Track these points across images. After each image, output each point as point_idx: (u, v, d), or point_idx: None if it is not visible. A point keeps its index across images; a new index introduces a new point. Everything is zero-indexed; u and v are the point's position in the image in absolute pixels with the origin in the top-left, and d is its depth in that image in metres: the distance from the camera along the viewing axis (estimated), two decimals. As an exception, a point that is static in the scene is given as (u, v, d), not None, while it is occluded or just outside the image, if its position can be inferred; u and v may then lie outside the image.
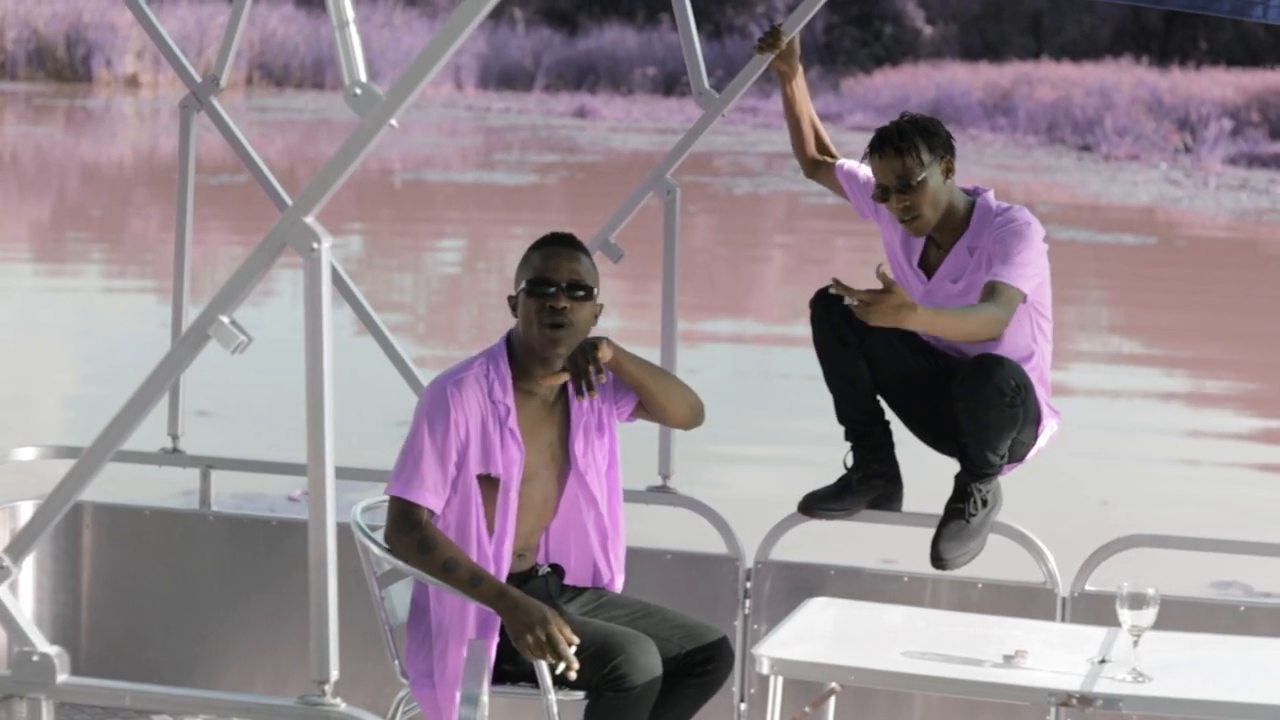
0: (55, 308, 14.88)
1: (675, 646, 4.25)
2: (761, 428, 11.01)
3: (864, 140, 5.10)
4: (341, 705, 3.12)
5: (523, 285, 4.25)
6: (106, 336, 13.74)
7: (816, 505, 5.09)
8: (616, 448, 4.42)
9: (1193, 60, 38.88)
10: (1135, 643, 3.89)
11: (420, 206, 23.13)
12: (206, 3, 39.72)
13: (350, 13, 3.04)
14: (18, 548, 3.25)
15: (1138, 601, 3.87)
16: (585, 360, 4.26)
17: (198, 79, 5.58)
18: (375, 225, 21.02)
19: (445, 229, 21.57)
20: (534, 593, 4.23)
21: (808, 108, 5.34)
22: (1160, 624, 3.95)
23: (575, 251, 4.28)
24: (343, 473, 3.98)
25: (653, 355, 4.79)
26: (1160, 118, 32.31)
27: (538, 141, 31.15)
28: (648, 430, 4.75)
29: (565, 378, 4.27)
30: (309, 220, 3.09)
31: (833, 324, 4.90)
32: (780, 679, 4.08)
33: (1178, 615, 4.55)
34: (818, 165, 5.33)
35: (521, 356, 4.28)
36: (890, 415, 5.07)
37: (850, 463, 5.09)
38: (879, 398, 5.02)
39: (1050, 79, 36.07)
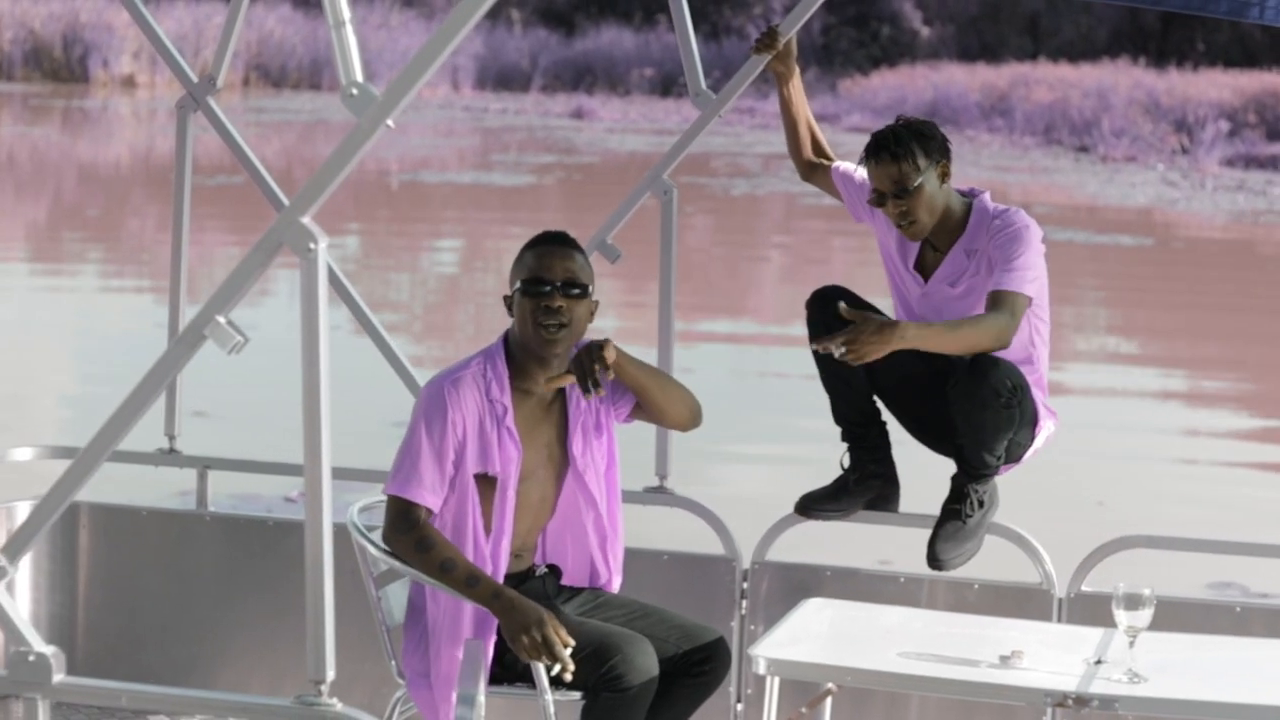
0: (52, 308, 14.88)
1: (672, 647, 4.25)
2: (758, 427, 11.01)
3: (861, 141, 5.10)
4: (338, 705, 3.12)
5: (518, 285, 4.25)
6: (103, 336, 13.74)
7: (813, 506, 5.10)
8: (615, 449, 4.42)
9: (1190, 61, 38.88)
10: (1131, 643, 3.89)
11: (417, 207, 23.13)
12: (203, 3, 39.72)
13: (347, 13, 3.04)
14: (14, 547, 3.25)
15: (1134, 602, 3.87)
16: (591, 360, 4.25)
17: (194, 79, 5.58)
18: (372, 226, 21.02)
19: (442, 229, 21.57)
20: (531, 593, 4.23)
21: (804, 109, 5.34)
22: (1156, 625, 3.95)
23: (569, 249, 4.28)
24: (339, 473, 3.98)
25: (649, 355, 4.79)
26: (1157, 119, 32.32)
27: (535, 142, 31.15)
28: (644, 431, 4.76)
29: (570, 379, 4.26)
30: (305, 220, 3.09)
31: (828, 325, 4.89)
32: (777, 679, 4.08)
33: (1174, 616, 4.55)
34: (813, 168, 5.33)
35: (518, 356, 4.28)
36: (887, 416, 5.07)
37: (847, 463, 5.09)
38: (875, 398, 5.02)
39: (1047, 80, 36.08)
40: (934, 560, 4.89)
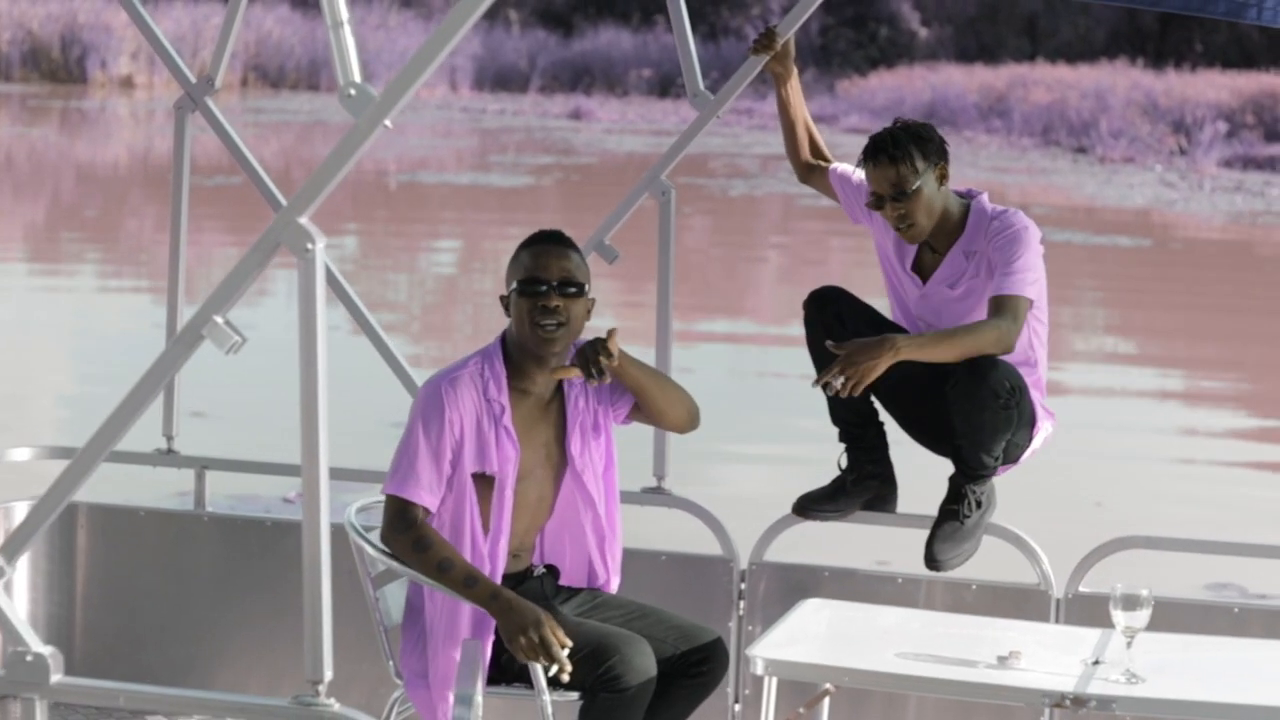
0: (50, 308, 14.87)
1: (670, 647, 4.25)
2: (756, 428, 11.01)
3: (859, 142, 5.10)
4: (336, 706, 3.12)
5: (514, 285, 4.25)
6: (101, 337, 13.74)
7: (811, 506, 5.10)
8: (613, 449, 4.42)
9: (1188, 62, 38.90)
10: (1129, 644, 3.89)
11: (415, 208, 23.13)
12: (201, 4, 39.71)
13: (345, 13, 3.04)
14: (12, 548, 3.25)
15: (1131, 603, 3.87)
16: (595, 352, 4.24)
17: (193, 80, 5.58)
18: (370, 226, 21.02)
19: (440, 230, 21.57)
20: (529, 593, 4.23)
21: (802, 110, 5.34)
22: (1154, 625, 3.95)
23: (564, 248, 4.28)
24: (337, 473, 3.99)
25: (648, 355, 4.79)
26: (1155, 120, 32.33)
27: (533, 143, 31.15)
28: (642, 431, 4.76)
29: (576, 372, 4.25)
30: (303, 221, 3.09)
31: (826, 325, 4.90)
32: (774, 680, 4.08)
33: (1172, 617, 4.55)
34: (811, 169, 5.33)
35: (516, 355, 4.28)
36: (885, 416, 5.07)
37: (845, 464, 5.09)
38: (873, 399, 5.02)
39: (1045, 81, 36.09)
40: (932, 561, 4.89)
